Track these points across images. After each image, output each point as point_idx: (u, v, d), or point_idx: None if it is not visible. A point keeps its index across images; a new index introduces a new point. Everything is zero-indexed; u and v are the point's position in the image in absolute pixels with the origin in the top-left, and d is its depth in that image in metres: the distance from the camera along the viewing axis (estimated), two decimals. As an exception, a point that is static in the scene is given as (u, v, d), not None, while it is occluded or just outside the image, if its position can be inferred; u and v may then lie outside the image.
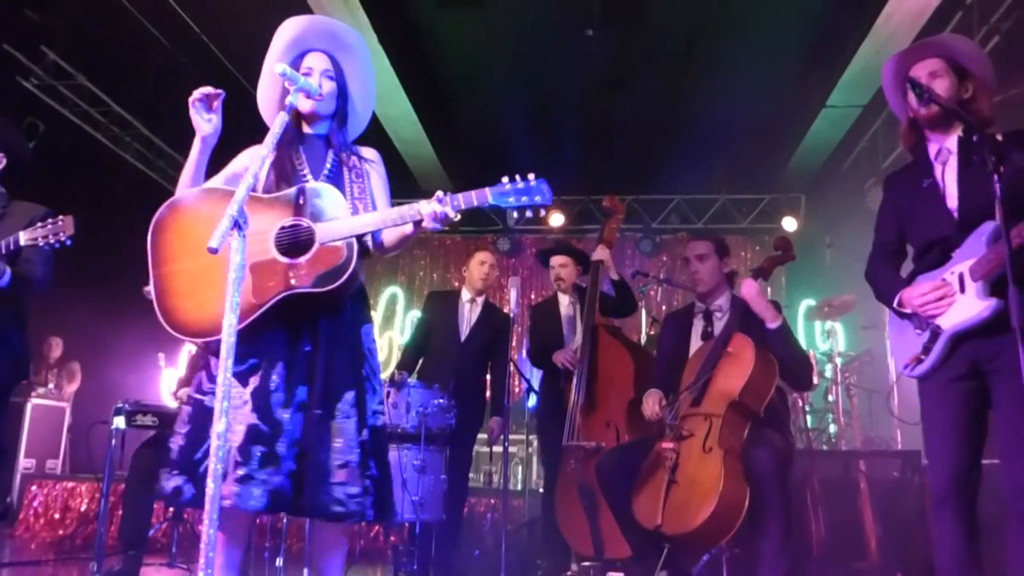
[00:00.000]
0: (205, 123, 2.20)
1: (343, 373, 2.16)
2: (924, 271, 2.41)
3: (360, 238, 2.16)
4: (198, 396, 2.14)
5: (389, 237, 2.32)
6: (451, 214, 2.10)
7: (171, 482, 2.03)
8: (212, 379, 2.11)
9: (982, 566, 2.25)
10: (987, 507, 2.29)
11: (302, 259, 2.09)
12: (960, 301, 2.27)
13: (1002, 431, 2.22)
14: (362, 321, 2.30)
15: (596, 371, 3.82)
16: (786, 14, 5.94)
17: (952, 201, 2.35)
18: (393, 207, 2.21)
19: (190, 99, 2.16)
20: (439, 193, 2.11)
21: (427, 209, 2.09)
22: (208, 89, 2.17)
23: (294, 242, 2.11)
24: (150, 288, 2.14)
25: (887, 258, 2.59)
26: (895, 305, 2.42)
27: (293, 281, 2.07)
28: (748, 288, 3.09)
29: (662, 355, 3.58)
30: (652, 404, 3.20)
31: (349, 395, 2.14)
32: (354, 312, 2.27)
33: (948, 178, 2.39)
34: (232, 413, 2.04)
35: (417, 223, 2.13)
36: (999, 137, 2.17)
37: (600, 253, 4.07)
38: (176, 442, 2.10)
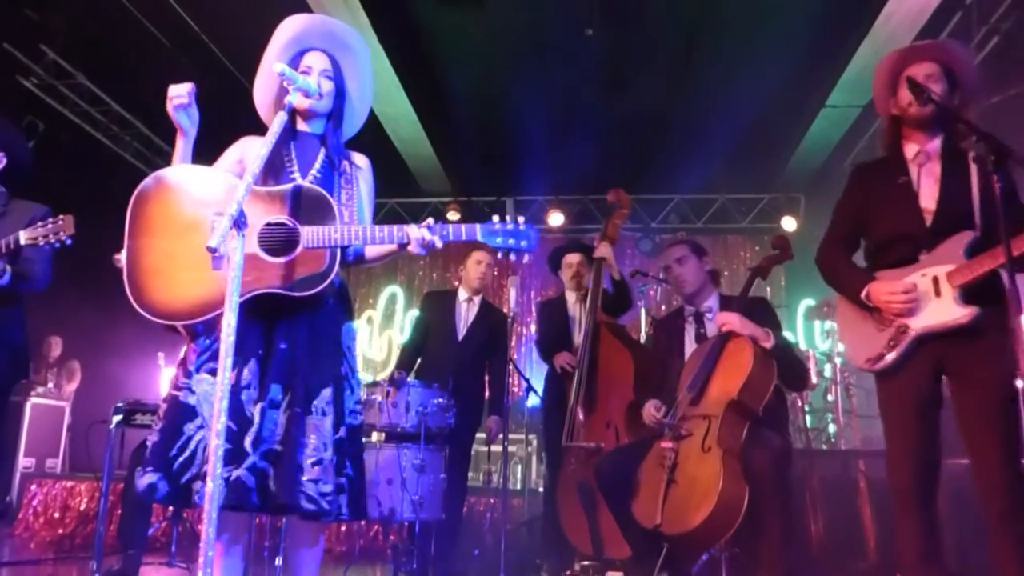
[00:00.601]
0: (187, 121, 2.20)
1: (321, 371, 2.15)
2: (887, 267, 2.45)
3: (343, 248, 2.15)
4: (174, 392, 2.11)
5: (371, 251, 2.34)
6: (438, 244, 2.10)
7: (145, 479, 2.00)
8: (188, 375, 2.09)
9: (944, 559, 2.30)
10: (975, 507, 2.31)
11: (283, 259, 2.07)
12: (935, 304, 2.31)
13: (977, 431, 2.26)
14: (343, 319, 2.29)
15: (597, 370, 3.82)
16: (786, 14, 5.94)
17: (926, 202, 2.40)
18: (387, 217, 2.22)
19: (172, 105, 2.16)
20: (429, 221, 2.14)
21: (416, 234, 2.09)
22: (182, 95, 2.16)
23: (277, 240, 2.09)
24: (121, 256, 2.09)
25: (843, 246, 2.64)
26: (862, 298, 2.44)
27: (271, 280, 2.05)
28: (729, 320, 3.02)
29: (656, 362, 3.57)
30: (652, 409, 3.19)
31: (326, 392, 2.13)
32: (335, 310, 2.26)
33: (925, 180, 2.43)
34: (209, 410, 2.02)
35: (403, 245, 2.14)
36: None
37: (603, 250, 4.05)
38: (151, 439, 2.08)
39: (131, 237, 2.09)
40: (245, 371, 2.06)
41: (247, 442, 2.01)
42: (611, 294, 4.17)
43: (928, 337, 2.32)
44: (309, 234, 2.07)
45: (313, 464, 2.04)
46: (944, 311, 2.29)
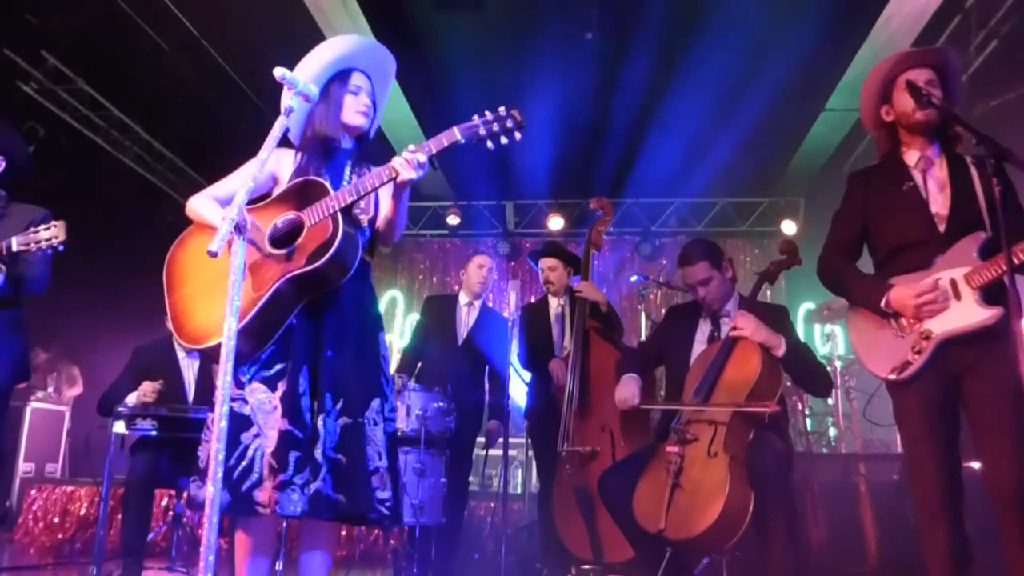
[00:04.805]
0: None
1: (369, 381, 2.20)
2: (900, 273, 2.42)
3: (352, 218, 2.20)
4: (230, 404, 2.16)
5: (384, 214, 2.33)
6: (422, 159, 2.11)
7: (204, 490, 2.05)
8: (240, 385, 2.13)
9: (976, 571, 2.25)
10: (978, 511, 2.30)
11: (293, 245, 2.13)
12: (956, 307, 2.28)
13: (992, 432, 2.24)
14: (378, 329, 2.35)
15: (588, 375, 3.77)
16: (785, 18, 5.95)
17: (937, 208, 2.39)
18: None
19: None
20: (411, 146, 2.14)
21: (398, 160, 2.10)
22: None
23: (287, 233, 2.16)
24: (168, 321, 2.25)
25: (847, 255, 2.60)
26: (882, 306, 2.40)
27: (286, 268, 2.10)
28: (744, 323, 2.96)
29: (656, 341, 3.51)
30: (625, 395, 3.15)
31: (375, 402, 2.18)
32: (375, 320, 2.33)
33: (931, 185, 2.42)
34: (264, 419, 2.08)
35: (396, 180, 2.14)
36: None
37: (586, 291, 3.92)
38: (205, 450, 2.14)
39: (168, 296, 2.25)
40: (300, 379, 2.10)
41: (318, 453, 2.05)
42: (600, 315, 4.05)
43: (950, 341, 2.28)
44: (309, 214, 2.14)
45: (373, 473, 2.10)
46: (968, 313, 2.26)
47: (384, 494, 2.10)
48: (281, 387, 2.10)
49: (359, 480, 2.06)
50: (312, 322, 2.17)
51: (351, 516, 2.09)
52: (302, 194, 2.18)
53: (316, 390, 2.11)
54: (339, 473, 2.06)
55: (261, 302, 2.07)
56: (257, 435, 2.06)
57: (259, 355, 2.14)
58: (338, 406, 2.12)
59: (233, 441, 2.03)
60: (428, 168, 2.15)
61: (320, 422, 2.07)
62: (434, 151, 2.11)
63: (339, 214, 2.12)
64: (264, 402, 2.09)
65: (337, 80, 2.36)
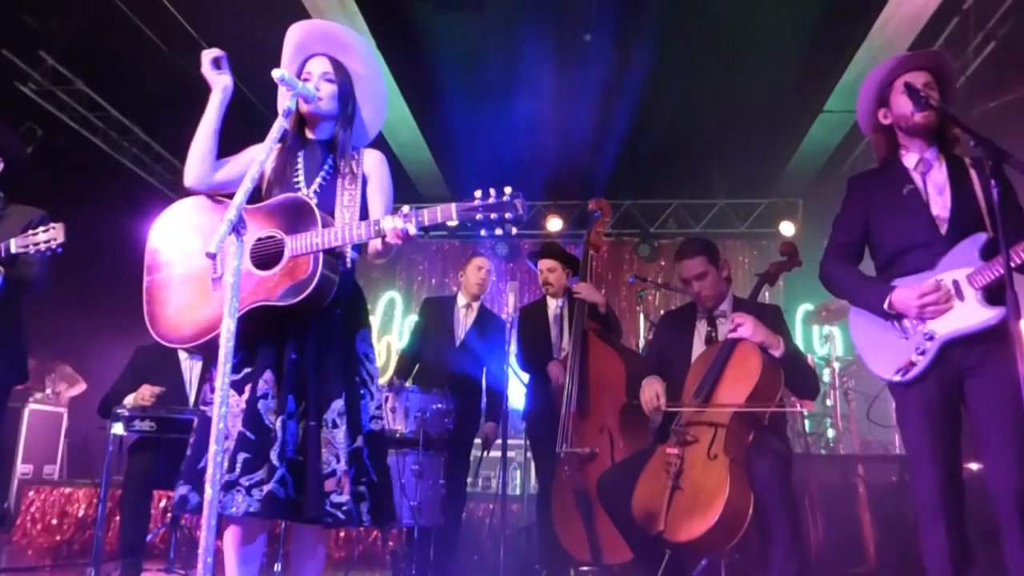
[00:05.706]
0: (220, 78, 2.25)
1: (331, 382, 2.16)
2: (902, 276, 2.42)
3: (334, 252, 2.16)
4: (202, 408, 2.20)
5: (370, 249, 2.30)
6: (412, 231, 2.03)
7: (179, 491, 2.09)
8: (213, 391, 2.12)
9: (976, 572, 2.25)
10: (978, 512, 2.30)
11: (272, 271, 2.10)
12: (958, 308, 2.28)
13: (993, 434, 2.24)
14: (357, 326, 2.30)
15: (587, 376, 3.77)
16: (783, 19, 5.95)
17: (938, 210, 2.39)
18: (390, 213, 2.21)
19: (204, 66, 2.24)
20: (404, 208, 2.07)
21: (388, 225, 2.04)
22: (215, 52, 2.24)
23: (267, 254, 2.13)
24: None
25: (849, 259, 2.61)
26: (885, 308, 2.41)
27: (261, 293, 2.09)
28: (743, 320, 2.94)
29: (656, 350, 3.50)
30: (651, 395, 3.09)
31: (337, 404, 2.14)
32: (347, 318, 2.27)
33: (931, 187, 2.43)
34: (233, 422, 2.08)
35: (383, 238, 2.09)
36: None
37: (585, 292, 3.93)
38: (186, 453, 2.17)
39: (146, 274, 2.24)
40: (261, 382, 2.10)
41: (273, 455, 2.04)
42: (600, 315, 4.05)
43: (952, 342, 2.29)
44: (293, 243, 2.10)
45: (327, 476, 2.08)
46: (970, 314, 2.26)
47: (340, 498, 2.06)
48: (248, 391, 2.10)
49: (312, 483, 2.05)
50: (277, 326, 2.16)
51: (309, 518, 2.08)
52: (292, 216, 2.14)
53: (280, 392, 2.11)
54: (299, 475, 2.06)
55: None
56: (227, 437, 2.06)
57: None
58: (300, 408, 2.12)
59: (204, 445, 2.02)
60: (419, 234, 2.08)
61: (279, 424, 2.06)
62: (427, 223, 2.02)
63: (321, 255, 2.09)
64: (233, 406, 2.09)
65: (298, 73, 2.34)
